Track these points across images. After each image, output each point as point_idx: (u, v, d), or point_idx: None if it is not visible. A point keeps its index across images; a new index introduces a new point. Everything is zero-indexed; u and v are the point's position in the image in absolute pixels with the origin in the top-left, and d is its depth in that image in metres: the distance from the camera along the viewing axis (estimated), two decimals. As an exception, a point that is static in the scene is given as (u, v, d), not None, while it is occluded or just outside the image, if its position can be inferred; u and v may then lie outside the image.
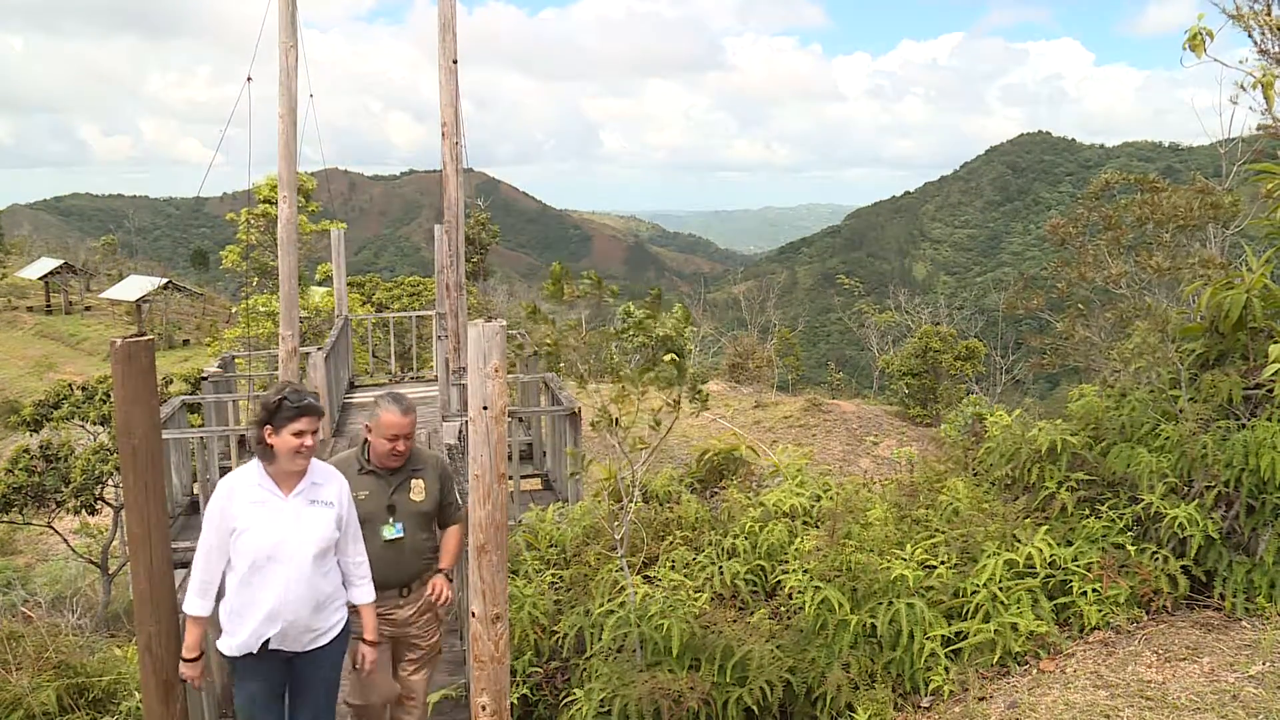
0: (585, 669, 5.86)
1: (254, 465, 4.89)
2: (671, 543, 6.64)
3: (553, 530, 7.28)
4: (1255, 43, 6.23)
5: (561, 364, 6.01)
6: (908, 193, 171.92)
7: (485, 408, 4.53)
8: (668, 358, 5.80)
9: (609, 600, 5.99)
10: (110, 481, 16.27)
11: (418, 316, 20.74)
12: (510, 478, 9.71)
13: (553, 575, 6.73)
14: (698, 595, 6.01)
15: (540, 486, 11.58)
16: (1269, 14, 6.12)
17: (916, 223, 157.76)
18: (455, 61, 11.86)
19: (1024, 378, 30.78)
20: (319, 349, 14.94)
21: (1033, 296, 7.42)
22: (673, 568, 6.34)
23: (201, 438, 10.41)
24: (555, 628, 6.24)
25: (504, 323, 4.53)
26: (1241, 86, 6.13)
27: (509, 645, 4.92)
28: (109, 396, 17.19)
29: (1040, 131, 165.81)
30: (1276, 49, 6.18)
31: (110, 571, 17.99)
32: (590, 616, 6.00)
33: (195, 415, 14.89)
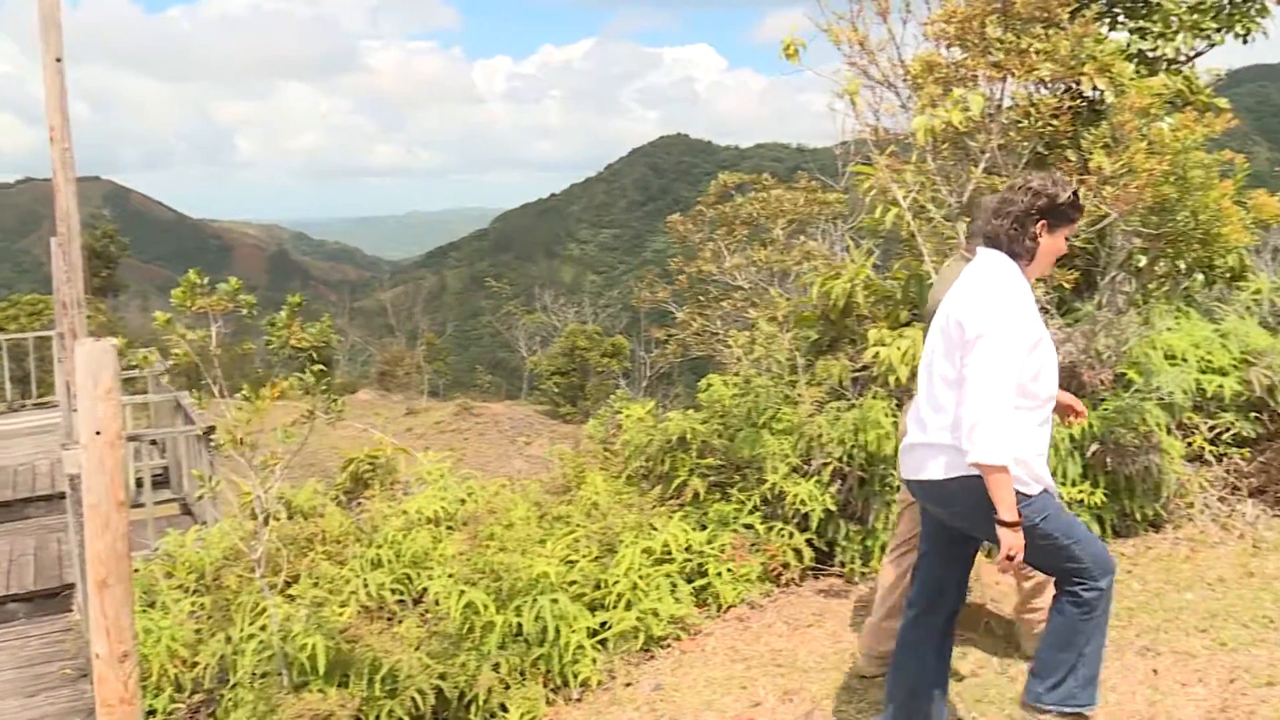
0: (231, 699, 5.64)
1: (1011, 265, 4.04)
2: (314, 558, 6.49)
3: (192, 556, 6.96)
4: (845, 54, 6.72)
5: (203, 380, 5.73)
6: (554, 195, 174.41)
7: (98, 432, 4.27)
8: (315, 369, 5.68)
9: (251, 624, 5.79)
10: None
11: (37, 338, 19.27)
12: (142, 504, 9.22)
13: (192, 603, 6.43)
14: (343, 610, 5.91)
15: (179, 511, 11.02)
16: (855, 29, 6.63)
17: (563, 224, 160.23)
18: (59, 59, 11.09)
19: (670, 370, 31.94)
20: (-79, 378, 13.65)
21: (658, 290, 7.75)
22: (316, 584, 6.20)
23: None
24: (197, 659, 5.96)
25: (115, 341, 4.30)
26: (837, 94, 6.61)
27: (140, 684, 4.67)
28: None
29: (679, 133, 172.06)
30: (863, 60, 6.71)
31: None
32: (232, 643, 5.77)
33: None
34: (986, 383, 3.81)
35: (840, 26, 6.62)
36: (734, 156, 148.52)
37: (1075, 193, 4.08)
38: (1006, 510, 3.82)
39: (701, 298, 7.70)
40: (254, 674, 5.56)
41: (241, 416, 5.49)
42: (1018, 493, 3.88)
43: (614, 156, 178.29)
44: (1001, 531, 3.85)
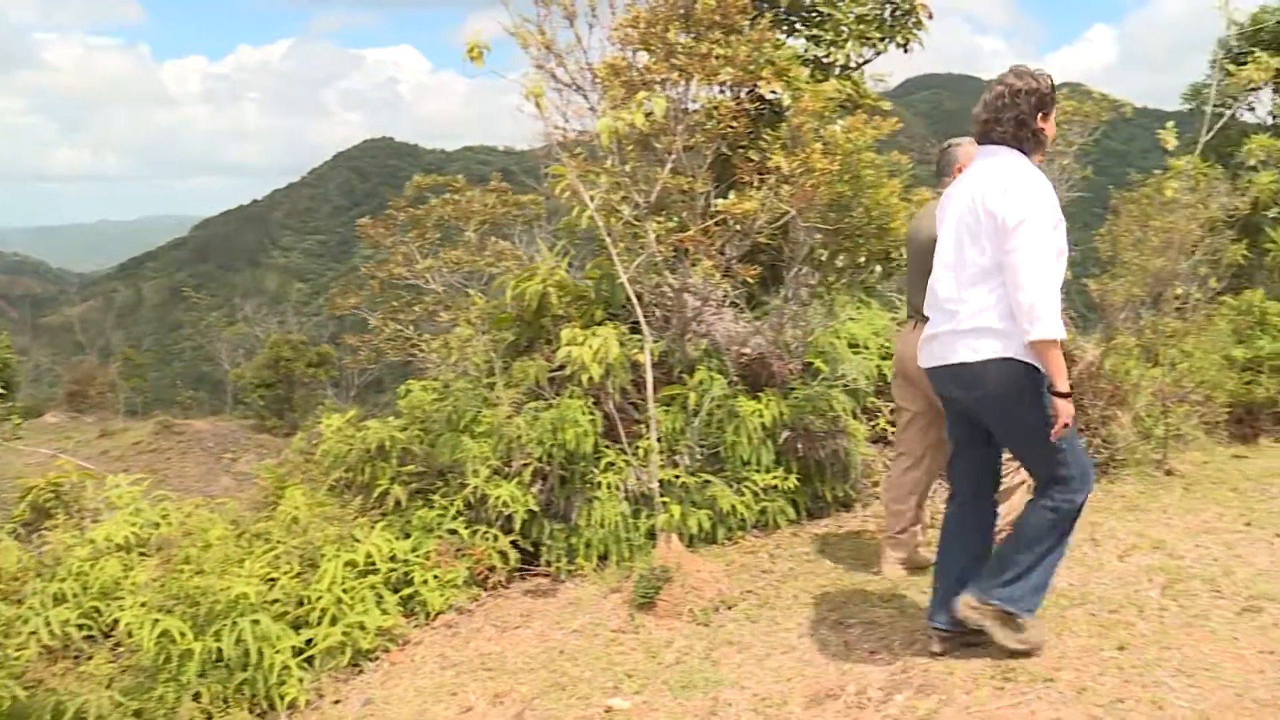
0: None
1: (1023, 157, 4.34)
2: (-14, 600, 6.04)
3: None
4: (533, 57, 6.76)
5: None
6: (255, 201, 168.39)
7: None
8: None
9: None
10: None
11: None
12: None
13: None
14: (20, 653, 5.51)
15: None
16: (542, 33, 6.68)
17: (267, 231, 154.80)
18: None
19: (381, 377, 31.32)
20: None
21: (350, 296, 7.64)
22: (-12, 628, 5.77)
23: None
24: None
25: None
26: (525, 97, 6.65)
27: None
28: None
29: (384, 137, 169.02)
30: (551, 63, 6.78)
31: None
32: (-121, 707, 5.29)
33: None
34: (1036, 264, 4.13)
35: (528, 30, 6.66)
36: (441, 160, 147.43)
37: (1049, 76, 4.36)
38: (1061, 380, 4.19)
39: (394, 302, 7.63)
40: (-91, 740, 5.13)
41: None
42: (1035, 369, 4.24)
43: (318, 160, 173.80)
44: (1056, 402, 4.22)
